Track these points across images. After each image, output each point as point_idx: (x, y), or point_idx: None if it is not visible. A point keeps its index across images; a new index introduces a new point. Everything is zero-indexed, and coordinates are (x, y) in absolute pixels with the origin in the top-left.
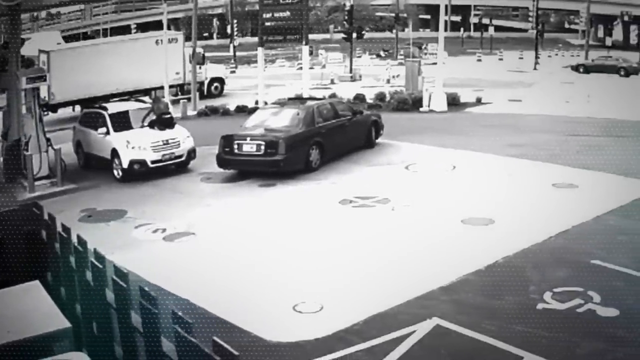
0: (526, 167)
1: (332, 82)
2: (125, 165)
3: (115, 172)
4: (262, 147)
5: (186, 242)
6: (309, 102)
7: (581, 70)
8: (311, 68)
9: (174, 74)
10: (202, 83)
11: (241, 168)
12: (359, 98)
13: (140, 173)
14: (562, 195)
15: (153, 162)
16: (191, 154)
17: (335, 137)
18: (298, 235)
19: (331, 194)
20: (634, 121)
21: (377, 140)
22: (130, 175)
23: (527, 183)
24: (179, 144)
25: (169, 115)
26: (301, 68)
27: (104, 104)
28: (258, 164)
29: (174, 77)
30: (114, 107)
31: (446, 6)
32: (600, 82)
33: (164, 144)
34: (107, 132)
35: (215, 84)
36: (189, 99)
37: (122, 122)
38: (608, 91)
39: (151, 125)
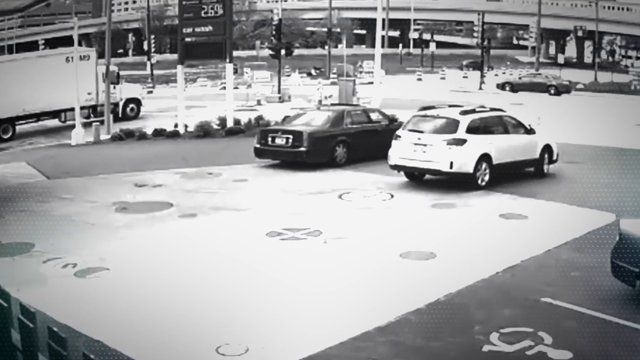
0: (471, 196)
1: (259, 103)
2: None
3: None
4: (290, 140)
5: (99, 277)
6: (340, 107)
7: (507, 88)
8: (236, 88)
9: (85, 94)
10: (116, 104)
11: (274, 158)
12: None
13: None
14: (510, 227)
15: None
16: None
17: (365, 139)
18: (221, 271)
19: (257, 225)
20: (588, 146)
21: None
22: None
23: (472, 213)
24: None
25: None
26: (225, 88)
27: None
28: (286, 155)
29: (85, 98)
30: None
31: (383, 20)
32: (552, 104)
33: None
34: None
35: (131, 105)
36: (102, 122)
37: None
38: (560, 113)
39: None
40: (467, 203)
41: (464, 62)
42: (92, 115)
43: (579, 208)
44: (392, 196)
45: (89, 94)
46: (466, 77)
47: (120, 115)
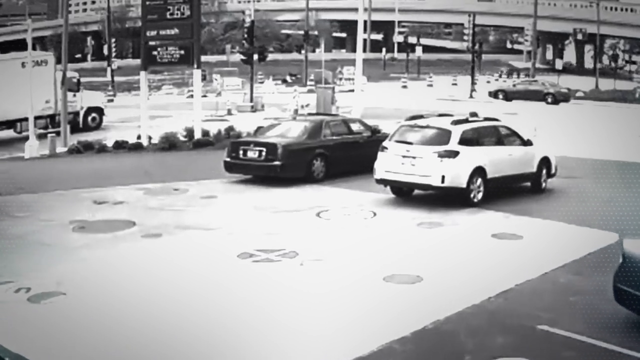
0: (460, 214)
1: (229, 112)
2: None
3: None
4: (263, 153)
5: (55, 303)
6: (318, 117)
7: (500, 96)
8: (204, 96)
9: (43, 103)
10: (77, 114)
11: (245, 172)
12: None
13: None
14: (504, 247)
15: None
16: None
17: (345, 152)
18: (187, 296)
19: (228, 246)
20: (589, 159)
21: None
22: None
23: (462, 233)
24: None
25: None
26: (192, 96)
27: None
28: (259, 169)
29: (43, 107)
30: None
31: (365, 22)
32: (549, 113)
33: None
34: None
35: (93, 115)
36: (59, 133)
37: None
38: (558, 123)
39: None
40: (456, 221)
41: (503, 70)
42: (50, 126)
43: (579, 227)
44: (374, 214)
45: (47, 102)
46: (455, 84)
47: (81, 126)
